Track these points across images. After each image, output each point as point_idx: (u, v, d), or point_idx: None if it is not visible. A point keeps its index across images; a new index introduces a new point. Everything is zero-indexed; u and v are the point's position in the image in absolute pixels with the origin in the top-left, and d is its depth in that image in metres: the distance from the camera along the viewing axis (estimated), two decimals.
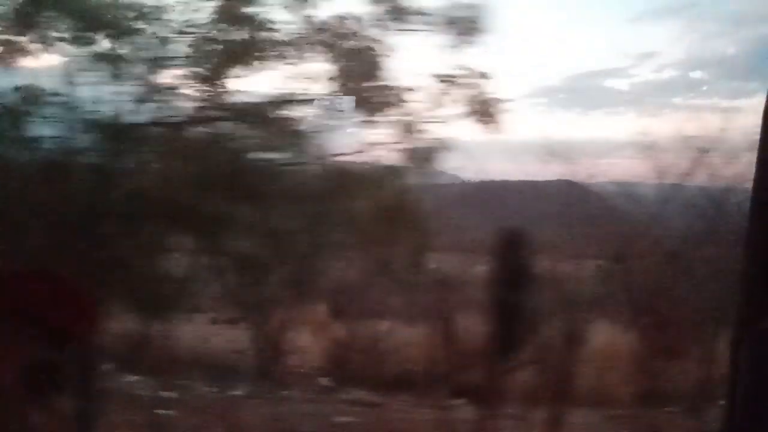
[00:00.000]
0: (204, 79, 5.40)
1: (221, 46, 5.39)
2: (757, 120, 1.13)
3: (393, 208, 6.26)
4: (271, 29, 5.57)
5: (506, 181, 14.35)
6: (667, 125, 10.60)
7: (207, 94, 5.46)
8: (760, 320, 1.06)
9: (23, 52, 5.42)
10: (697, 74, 14.00)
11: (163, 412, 6.87)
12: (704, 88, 13.20)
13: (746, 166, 7.76)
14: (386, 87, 6.03)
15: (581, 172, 9.49)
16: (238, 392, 7.42)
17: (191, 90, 5.42)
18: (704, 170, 8.87)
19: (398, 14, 5.79)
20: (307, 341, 8.80)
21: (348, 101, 5.92)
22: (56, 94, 5.38)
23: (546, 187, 11.94)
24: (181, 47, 5.36)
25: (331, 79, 5.89)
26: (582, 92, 14.45)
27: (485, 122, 6.38)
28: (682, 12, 16.67)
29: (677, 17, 17.54)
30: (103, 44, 5.24)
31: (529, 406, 7.63)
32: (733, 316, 1.13)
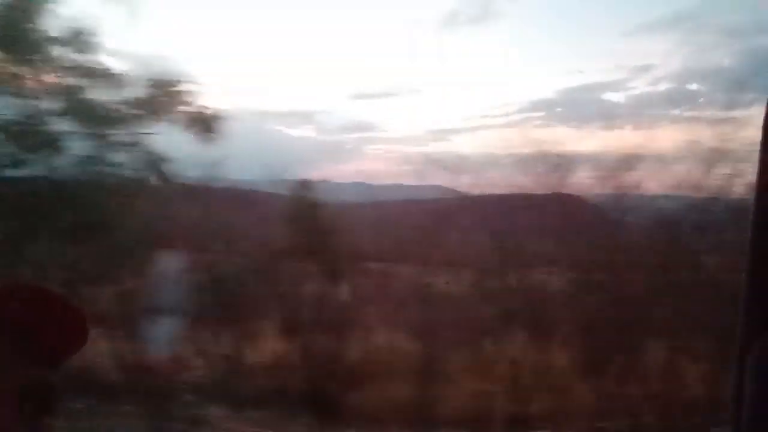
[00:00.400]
0: None
1: None
2: (755, 131, 1.17)
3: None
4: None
5: (491, 194, 13.43)
6: (663, 137, 10.11)
7: None
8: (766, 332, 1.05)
9: None
10: (693, 86, 13.37)
11: None
12: (701, 100, 12.52)
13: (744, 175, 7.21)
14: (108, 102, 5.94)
15: (578, 184, 8.97)
16: (78, 405, 7.11)
17: None
18: (700, 181, 8.15)
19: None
20: (192, 356, 8.39)
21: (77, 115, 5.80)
22: None
23: (537, 200, 11.07)
24: None
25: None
26: (578, 105, 13.68)
27: (201, 132, 6.15)
28: (677, 24, 15.90)
29: (673, 30, 16.91)
30: None
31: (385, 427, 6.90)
32: (739, 327, 1.11)
